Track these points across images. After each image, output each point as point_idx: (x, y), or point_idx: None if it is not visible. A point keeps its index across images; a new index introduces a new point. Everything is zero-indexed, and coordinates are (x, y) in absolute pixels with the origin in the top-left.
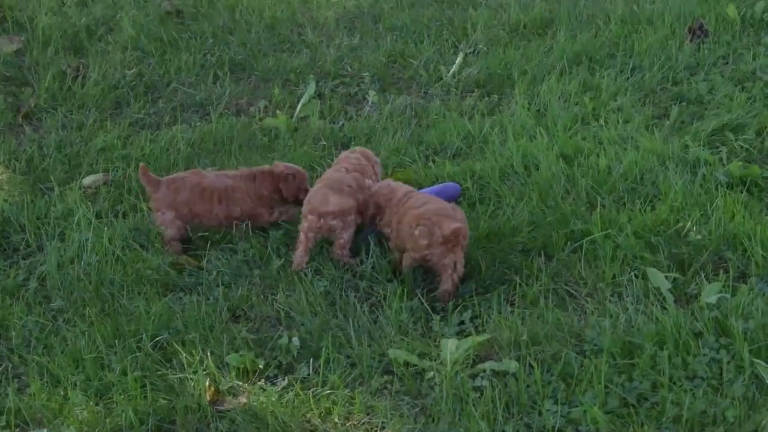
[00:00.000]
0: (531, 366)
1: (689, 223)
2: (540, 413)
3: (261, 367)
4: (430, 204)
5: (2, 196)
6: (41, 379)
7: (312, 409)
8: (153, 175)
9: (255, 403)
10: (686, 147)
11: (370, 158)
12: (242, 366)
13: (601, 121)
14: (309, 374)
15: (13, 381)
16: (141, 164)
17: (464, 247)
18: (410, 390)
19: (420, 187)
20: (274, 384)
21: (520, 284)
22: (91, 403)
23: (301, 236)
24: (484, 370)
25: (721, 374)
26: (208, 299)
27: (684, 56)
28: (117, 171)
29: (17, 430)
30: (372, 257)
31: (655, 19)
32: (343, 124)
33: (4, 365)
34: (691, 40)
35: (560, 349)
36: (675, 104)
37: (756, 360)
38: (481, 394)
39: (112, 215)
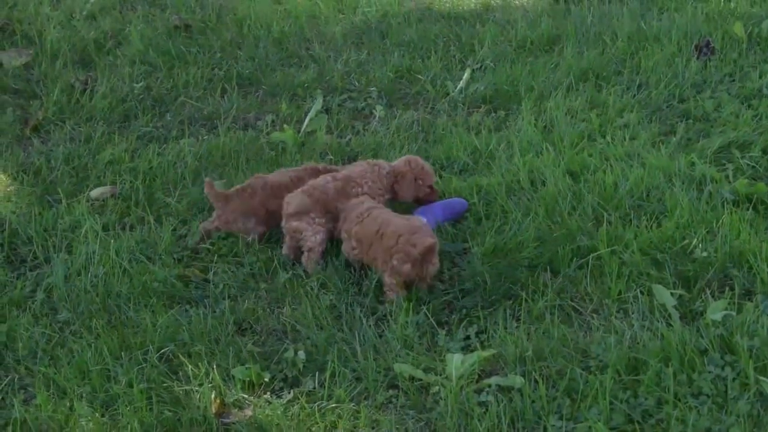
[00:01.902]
0: (536, 381)
1: (695, 240)
2: (545, 429)
3: (267, 380)
4: (391, 226)
5: (10, 207)
6: (47, 391)
7: (317, 423)
8: (220, 190)
9: (260, 416)
10: (692, 164)
11: (381, 168)
12: (248, 379)
13: (608, 138)
14: (314, 388)
15: (19, 392)
16: (207, 179)
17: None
18: (415, 404)
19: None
20: (279, 397)
21: (525, 300)
22: (97, 414)
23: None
24: (490, 385)
25: (726, 391)
26: (215, 312)
27: (690, 74)
28: (124, 184)
29: None
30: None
31: (662, 36)
32: (350, 139)
33: (10, 376)
34: (697, 58)
35: (565, 364)
36: (681, 121)
37: (761, 378)
38: (486, 409)
39: (119, 228)
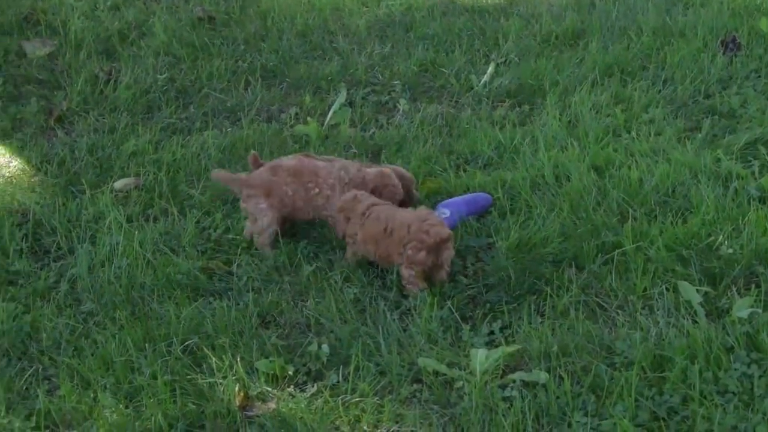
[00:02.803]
0: (561, 377)
1: (721, 236)
2: (570, 425)
3: (290, 373)
4: (400, 217)
5: (34, 198)
6: (71, 382)
7: (341, 417)
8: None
9: (284, 409)
10: (718, 160)
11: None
12: (272, 372)
13: (633, 133)
14: (338, 381)
15: (43, 383)
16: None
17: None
18: (439, 399)
19: (450, 196)
20: (303, 390)
21: (550, 295)
22: (121, 406)
23: None
24: (514, 381)
25: (752, 389)
26: (238, 304)
27: (716, 69)
28: (148, 175)
29: (47, 431)
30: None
31: (688, 31)
32: (373, 132)
33: (34, 367)
34: (723, 53)
35: (590, 361)
36: (707, 117)
37: None
38: (511, 405)
39: (142, 219)
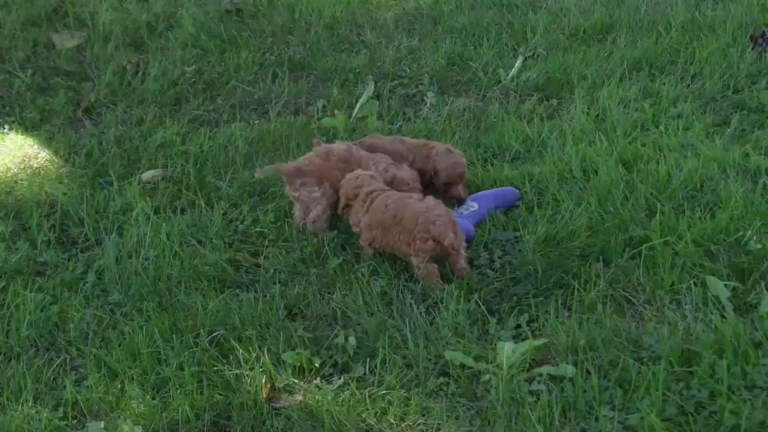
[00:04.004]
0: (588, 371)
1: (749, 232)
2: (597, 419)
3: (317, 365)
4: (406, 208)
5: (62, 189)
6: (98, 372)
7: (367, 409)
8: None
9: (311, 401)
10: (747, 155)
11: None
12: (298, 364)
13: (661, 128)
14: (365, 374)
15: (70, 373)
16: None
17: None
18: (466, 392)
19: (478, 189)
20: (330, 383)
21: (577, 289)
22: (148, 396)
23: None
24: (541, 375)
25: None
26: (265, 296)
27: (745, 64)
28: (175, 167)
29: (74, 421)
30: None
31: (717, 26)
32: (401, 125)
33: (62, 357)
34: (752, 48)
35: (618, 355)
36: (736, 112)
37: None
38: (538, 399)
39: (170, 211)
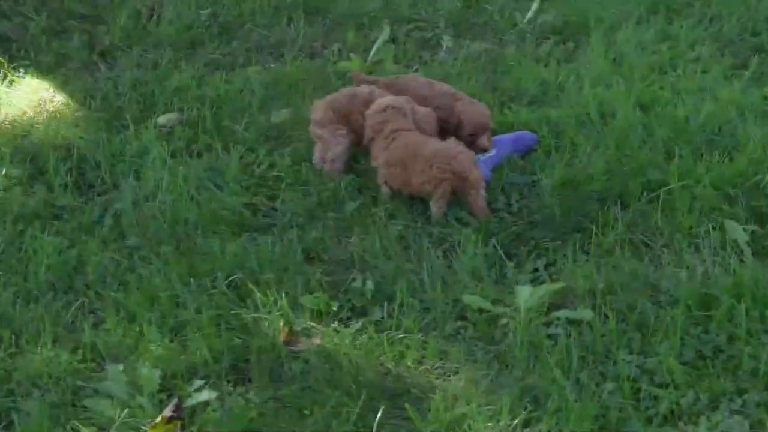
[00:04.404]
0: (606, 315)
1: None
2: (615, 362)
3: (335, 309)
4: (427, 145)
5: (78, 133)
6: (117, 315)
7: (386, 353)
8: None
9: (329, 345)
10: (765, 98)
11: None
12: (316, 308)
13: (679, 71)
14: (383, 317)
15: (89, 316)
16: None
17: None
18: (484, 336)
19: (495, 134)
20: (348, 326)
21: (595, 233)
22: (166, 340)
23: None
24: (559, 318)
25: None
26: (282, 240)
27: (763, 6)
28: (192, 111)
29: (93, 364)
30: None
31: None
32: (417, 69)
33: (80, 300)
34: None
35: (636, 299)
36: (754, 55)
37: None
38: (556, 342)
39: (186, 155)
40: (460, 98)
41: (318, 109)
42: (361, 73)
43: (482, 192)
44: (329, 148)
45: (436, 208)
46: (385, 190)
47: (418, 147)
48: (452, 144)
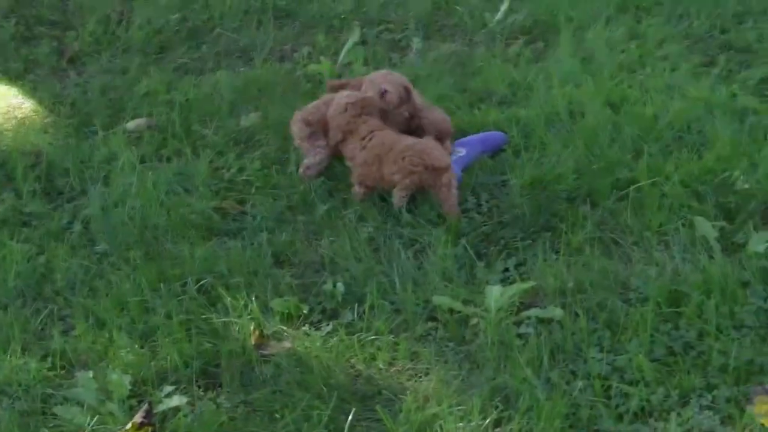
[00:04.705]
0: (576, 314)
1: (736, 172)
2: (585, 361)
3: (305, 312)
4: (403, 140)
5: (47, 139)
6: (86, 322)
7: (356, 355)
8: None
9: (299, 348)
10: (734, 95)
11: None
12: (286, 311)
13: (648, 69)
14: (353, 320)
15: (58, 323)
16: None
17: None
18: (455, 336)
19: (465, 134)
20: (318, 329)
21: (565, 232)
22: (136, 345)
23: None
24: (529, 318)
25: None
26: (252, 244)
27: (732, 4)
28: (161, 115)
29: (63, 371)
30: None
31: None
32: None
33: (49, 307)
34: None
35: (606, 297)
36: (723, 52)
37: None
38: (526, 341)
39: (156, 159)
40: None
41: (294, 123)
42: (333, 80)
43: (454, 190)
44: (307, 157)
45: (397, 197)
46: (358, 190)
47: (394, 142)
48: (428, 141)
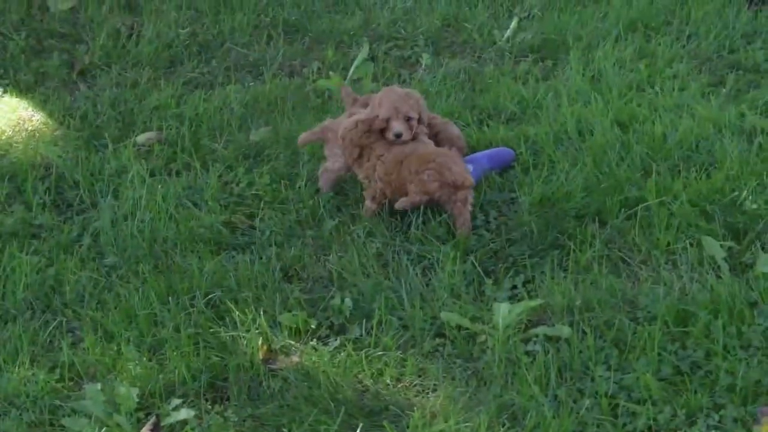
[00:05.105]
0: (584, 332)
1: (745, 192)
2: (593, 379)
3: (313, 326)
4: (425, 147)
5: (57, 152)
6: (95, 334)
7: (364, 370)
8: None
9: (307, 363)
10: (743, 115)
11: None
12: (294, 325)
13: (657, 88)
14: (361, 335)
15: (67, 335)
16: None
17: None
18: (462, 353)
19: (473, 151)
20: (326, 344)
21: (573, 250)
22: (144, 358)
23: None
24: (537, 335)
25: None
26: (261, 258)
27: (741, 24)
28: (170, 129)
29: (71, 383)
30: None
31: None
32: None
33: (58, 319)
34: (748, 8)
35: (613, 315)
36: (731, 72)
37: None
38: (534, 359)
39: (165, 173)
40: (434, 117)
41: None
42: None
43: (469, 207)
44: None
45: (401, 203)
46: (369, 205)
47: (414, 149)
48: (452, 152)
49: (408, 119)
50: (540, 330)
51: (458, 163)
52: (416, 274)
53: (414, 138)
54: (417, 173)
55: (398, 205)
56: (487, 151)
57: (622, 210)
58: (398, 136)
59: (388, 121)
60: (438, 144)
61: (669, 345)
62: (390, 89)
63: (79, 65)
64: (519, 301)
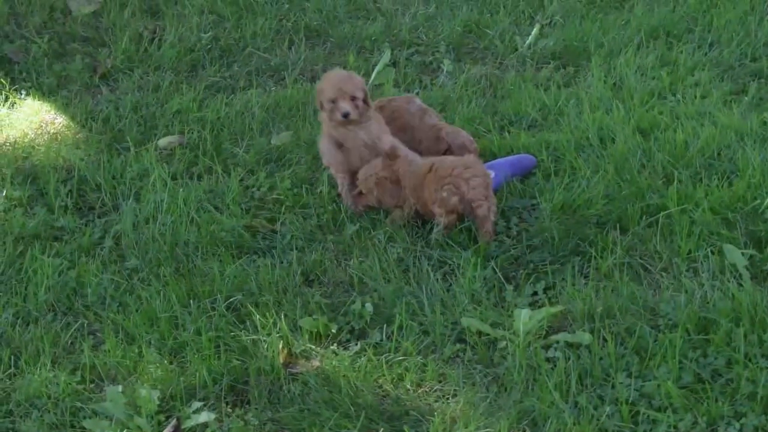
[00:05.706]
0: (605, 339)
1: (767, 200)
2: (613, 386)
3: (334, 331)
4: (444, 160)
5: (79, 155)
6: (116, 337)
7: (384, 375)
8: None
9: (327, 367)
10: (765, 123)
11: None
12: (315, 330)
13: (679, 96)
14: (382, 340)
15: (88, 337)
16: None
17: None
18: (483, 359)
19: (495, 157)
20: (346, 348)
21: (594, 257)
22: (165, 361)
23: None
24: (557, 342)
25: None
26: (282, 263)
27: (763, 32)
28: (192, 133)
29: (92, 385)
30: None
31: None
32: (417, 93)
33: (79, 322)
34: None
35: (634, 322)
36: (753, 80)
37: None
38: (554, 365)
39: (187, 177)
40: (442, 128)
41: None
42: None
43: (492, 216)
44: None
45: (437, 233)
46: (398, 217)
47: (436, 161)
48: (471, 161)
49: (353, 98)
50: (561, 336)
51: (477, 177)
52: (437, 279)
53: (361, 117)
54: (436, 191)
55: (436, 236)
56: (508, 158)
57: (644, 217)
58: (345, 115)
59: (334, 101)
60: (452, 153)
61: (690, 353)
62: (332, 72)
63: (101, 69)
64: (540, 307)
